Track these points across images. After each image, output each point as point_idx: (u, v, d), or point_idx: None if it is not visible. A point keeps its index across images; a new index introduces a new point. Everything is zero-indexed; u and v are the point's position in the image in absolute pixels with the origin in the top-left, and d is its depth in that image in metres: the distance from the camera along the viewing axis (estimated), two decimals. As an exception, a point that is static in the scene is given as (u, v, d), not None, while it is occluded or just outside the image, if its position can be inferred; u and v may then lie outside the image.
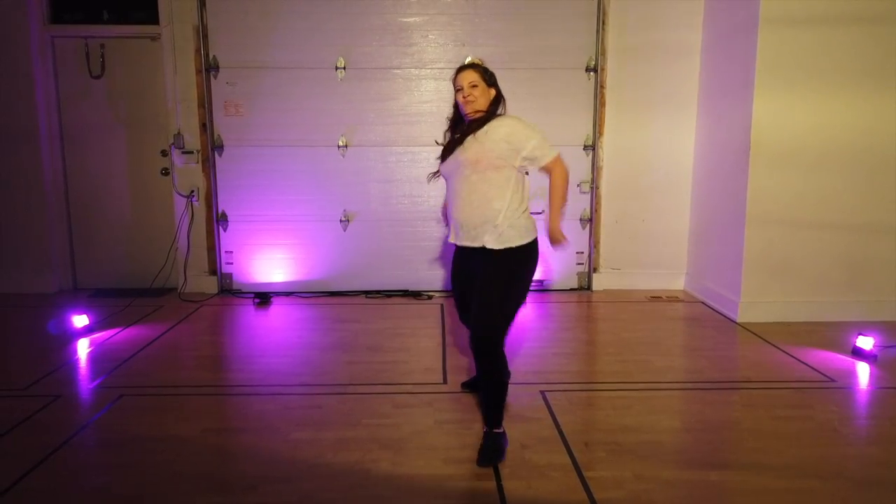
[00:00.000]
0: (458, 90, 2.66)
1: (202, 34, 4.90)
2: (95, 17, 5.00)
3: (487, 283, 2.56)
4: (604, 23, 4.97)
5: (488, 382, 2.58)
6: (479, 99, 2.63)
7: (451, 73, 2.74)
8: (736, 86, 4.43)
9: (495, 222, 2.56)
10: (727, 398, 3.16)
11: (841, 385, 3.30)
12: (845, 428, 2.85)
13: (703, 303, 4.88)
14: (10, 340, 4.06)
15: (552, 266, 5.27)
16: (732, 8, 4.52)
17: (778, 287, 4.38)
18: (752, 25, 4.20)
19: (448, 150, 2.71)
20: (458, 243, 2.71)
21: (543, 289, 5.27)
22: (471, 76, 2.63)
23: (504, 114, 2.71)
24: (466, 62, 2.75)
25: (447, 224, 2.83)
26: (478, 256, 2.62)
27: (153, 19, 4.94)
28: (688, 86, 5.09)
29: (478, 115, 2.64)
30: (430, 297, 5.06)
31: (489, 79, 2.68)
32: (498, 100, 2.70)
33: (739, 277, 4.37)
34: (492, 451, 2.54)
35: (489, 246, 2.57)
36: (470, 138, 2.61)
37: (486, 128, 2.60)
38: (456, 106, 2.74)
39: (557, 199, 2.65)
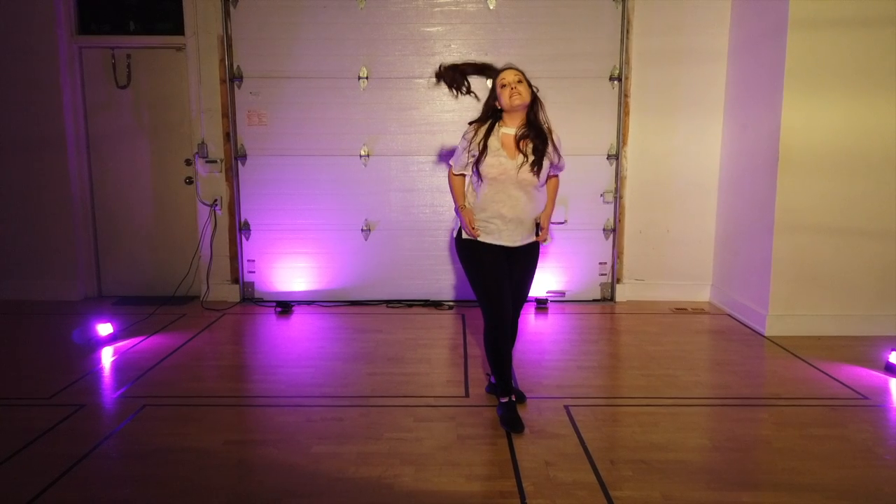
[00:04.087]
0: (502, 86, 2.86)
1: (226, 44, 4.94)
2: (122, 27, 5.07)
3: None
4: (628, 31, 4.92)
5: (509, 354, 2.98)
6: (525, 93, 2.85)
7: (474, 82, 3.01)
8: (764, 90, 4.34)
9: None
10: (756, 415, 3.09)
11: (874, 403, 3.21)
12: (881, 448, 2.76)
13: (729, 315, 4.78)
14: (35, 349, 4.10)
15: (574, 277, 5.21)
16: (760, 10, 4.44)
17: (807, 299, 4.27)
18: (781, 28, 4.12)
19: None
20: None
21: (565, 299, 5.21)
22: (516, 73, 2.88)
23: (546, 119, 2.96)
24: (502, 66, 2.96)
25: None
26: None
27: (178, 30, 4.99)
28: (714, 91, 5.00)
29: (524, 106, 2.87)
30: (451, 308, 5.03)
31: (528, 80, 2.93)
32: (536, 99, 2.91)
33: (767, 289, 4.28)
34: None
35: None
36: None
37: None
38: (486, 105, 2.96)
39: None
